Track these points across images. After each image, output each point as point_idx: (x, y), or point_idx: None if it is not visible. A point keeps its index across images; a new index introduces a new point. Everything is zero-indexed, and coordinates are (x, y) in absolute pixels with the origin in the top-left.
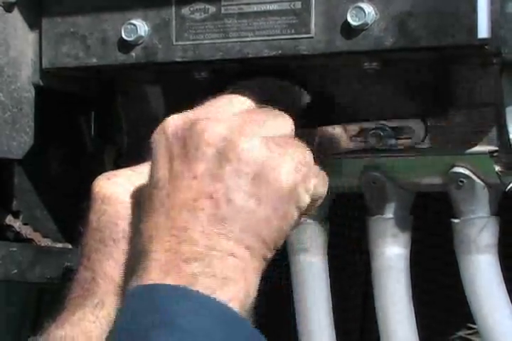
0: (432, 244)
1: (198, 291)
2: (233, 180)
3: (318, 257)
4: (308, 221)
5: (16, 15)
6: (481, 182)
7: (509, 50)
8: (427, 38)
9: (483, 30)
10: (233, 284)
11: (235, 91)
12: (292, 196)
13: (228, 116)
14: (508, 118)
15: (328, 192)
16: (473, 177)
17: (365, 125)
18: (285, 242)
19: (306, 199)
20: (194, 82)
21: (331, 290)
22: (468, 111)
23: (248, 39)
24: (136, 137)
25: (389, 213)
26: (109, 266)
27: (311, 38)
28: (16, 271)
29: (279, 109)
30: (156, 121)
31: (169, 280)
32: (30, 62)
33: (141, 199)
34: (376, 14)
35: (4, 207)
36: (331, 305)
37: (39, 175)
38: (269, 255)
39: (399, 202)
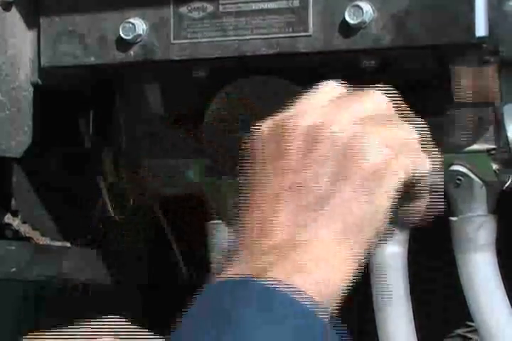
0: (430, 242)
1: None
2: (317, 168)
3: None
4: None
5: (14, 14)
6: (479, 181)
7: (507, 48)
8: (424, 36)
9: (481, 29)
10: (310, 272)
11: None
12: (381, 175)
13: (314, 107)
14: (506, 116)
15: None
16: (471, 175)
17: None
18: None
19: (398, 179)
20: (192, 80)
21: None
22: (465, 110)
23: (246, 37)
24: (135, 135)
25: None
26: None
27: (309, 36)
28: (14, 269)
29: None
30: (155, 119)
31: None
32: (29, 61)
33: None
34: (374, 13)
35: (3, 205)
36: None
37: (38, 174)
38: (361, 239)
39: None
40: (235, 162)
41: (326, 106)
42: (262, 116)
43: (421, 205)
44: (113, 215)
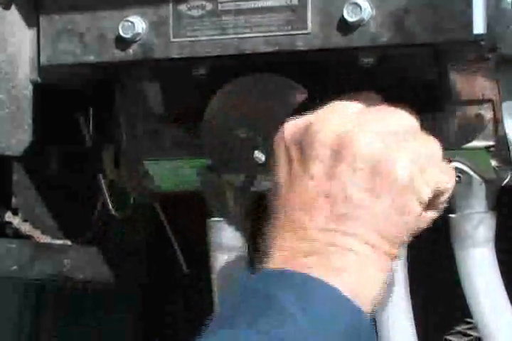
0: (429, 238)
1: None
2: (348, 177)
3: None
4: None
5: (13, 12)
6: (478, 177)
7: (505, 45)
8: (422, 33)
9: (479, 26)
10: (346, 276)
11: (348, 95)
12: (410, 189)
13: (342, 116)
14: (505, 113)
15: None
16: (470, 172)
17: None
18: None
19: (426, 193)
20: (192, 79)
21: None
22: (464, 107)
23: (245, 35)
24: (135, 134)
25: None
26: None
27: (308, 34)
28: (15, 267)
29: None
30: (154, 118)
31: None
32: (28, 60)
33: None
34: (372, 10)
35: (3, 203)
36: None
37: (38, 172)
38: (393, 250)
39: None
40: (235, 160)
41: (354, 118)
42: (262, 114)
43: (434, 215)
44: (113, 213)
